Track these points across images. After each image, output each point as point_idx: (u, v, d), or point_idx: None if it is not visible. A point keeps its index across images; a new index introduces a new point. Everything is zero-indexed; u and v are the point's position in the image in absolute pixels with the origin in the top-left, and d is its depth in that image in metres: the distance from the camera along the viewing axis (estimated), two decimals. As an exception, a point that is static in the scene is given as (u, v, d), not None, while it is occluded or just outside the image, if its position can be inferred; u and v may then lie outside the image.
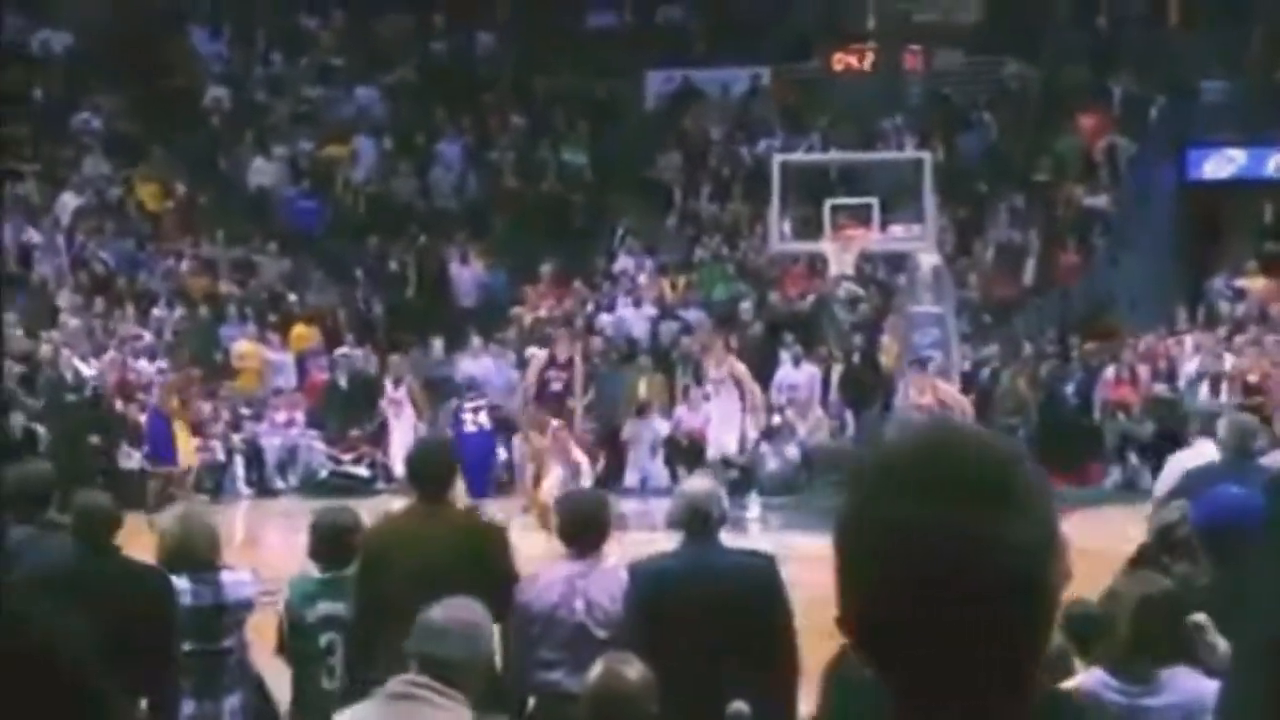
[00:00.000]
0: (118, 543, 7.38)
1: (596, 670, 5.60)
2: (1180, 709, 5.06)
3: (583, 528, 7.45)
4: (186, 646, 7.28)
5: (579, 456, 18.50)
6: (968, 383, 23.37)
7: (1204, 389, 22.30)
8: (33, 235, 27.35)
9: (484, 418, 21.60)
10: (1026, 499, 1.95)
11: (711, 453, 22.11)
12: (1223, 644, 5.18)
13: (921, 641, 1.92)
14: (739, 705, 5.92)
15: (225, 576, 7.49)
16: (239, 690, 7.47)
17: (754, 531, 19.13)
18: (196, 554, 7.45)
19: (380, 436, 23.63)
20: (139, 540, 7.93)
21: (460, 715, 4.94)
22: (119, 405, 22.83)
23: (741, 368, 21.39)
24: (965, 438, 2.03)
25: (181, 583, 7.32)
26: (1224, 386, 22.24)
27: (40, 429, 21.43)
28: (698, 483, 7.84)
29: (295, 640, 7.75)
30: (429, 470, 7.75)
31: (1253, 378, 22.30)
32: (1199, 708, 4.76)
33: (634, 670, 5.54)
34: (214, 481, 23.02)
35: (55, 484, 7.78)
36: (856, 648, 1.97)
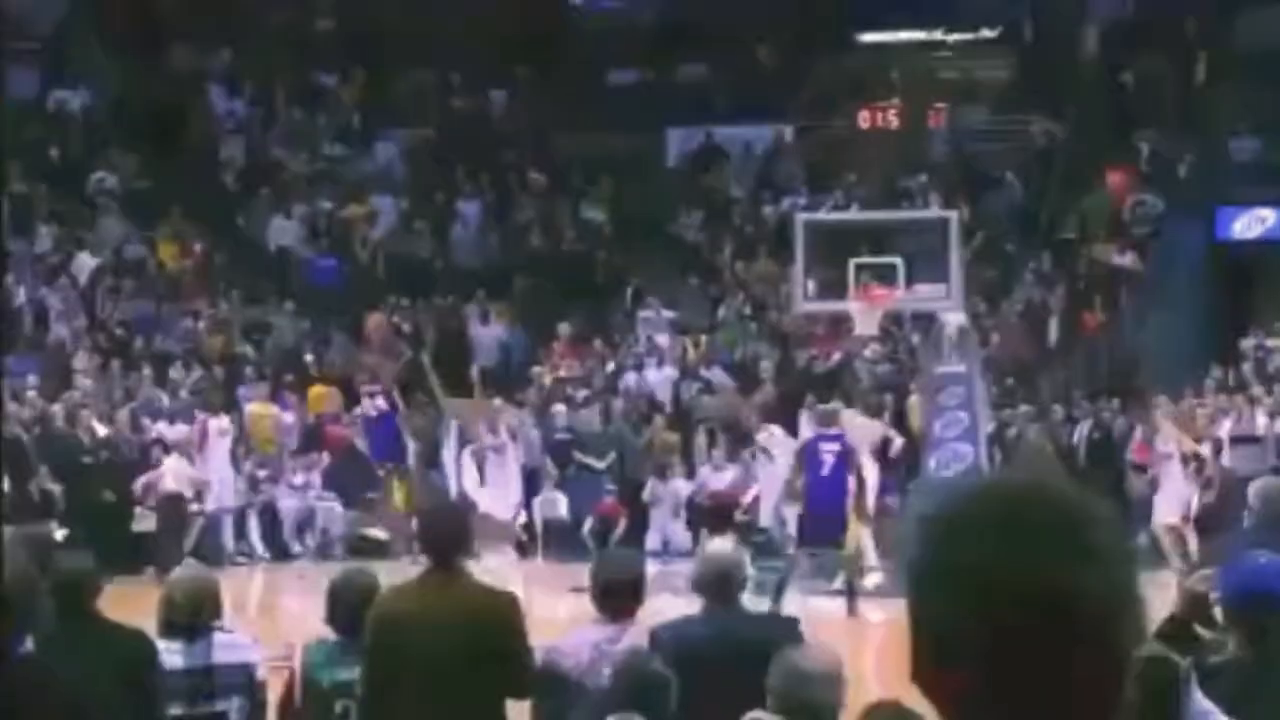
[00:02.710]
0: (99, 605, 7.37)
1: None
2: None
3: (619, 593, 7.42)
4: (177, 710, 7.26)
5: None
6: (992, 444, 23.33)
7: (1241, 453, 22.19)
8: (49, 296, 27.47)
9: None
10: (1101, 551, 1.97)
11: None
12: None
13: (995, 691, 1.94)
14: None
15: (218, 638, 7.47)
16: None
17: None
18: (188, 616, 7.45)
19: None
20: (151, 601, 7.91)
21: None
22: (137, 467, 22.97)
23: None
24: (1042, 488, 2.05)
25: (174, 645, 7.33)
26: (1258, 450, 22.16)
27: (57, 491, 21.50)
28: (719, 546, 7.84)
29: (310, 706, 7.76)
30: (441, 538, 7.72)
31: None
32: None
33: None
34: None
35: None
36: (931, 698, 1.99)
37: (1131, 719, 4.95)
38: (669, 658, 7.02)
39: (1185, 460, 21.76)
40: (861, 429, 21.64)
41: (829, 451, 20.67)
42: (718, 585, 7.14)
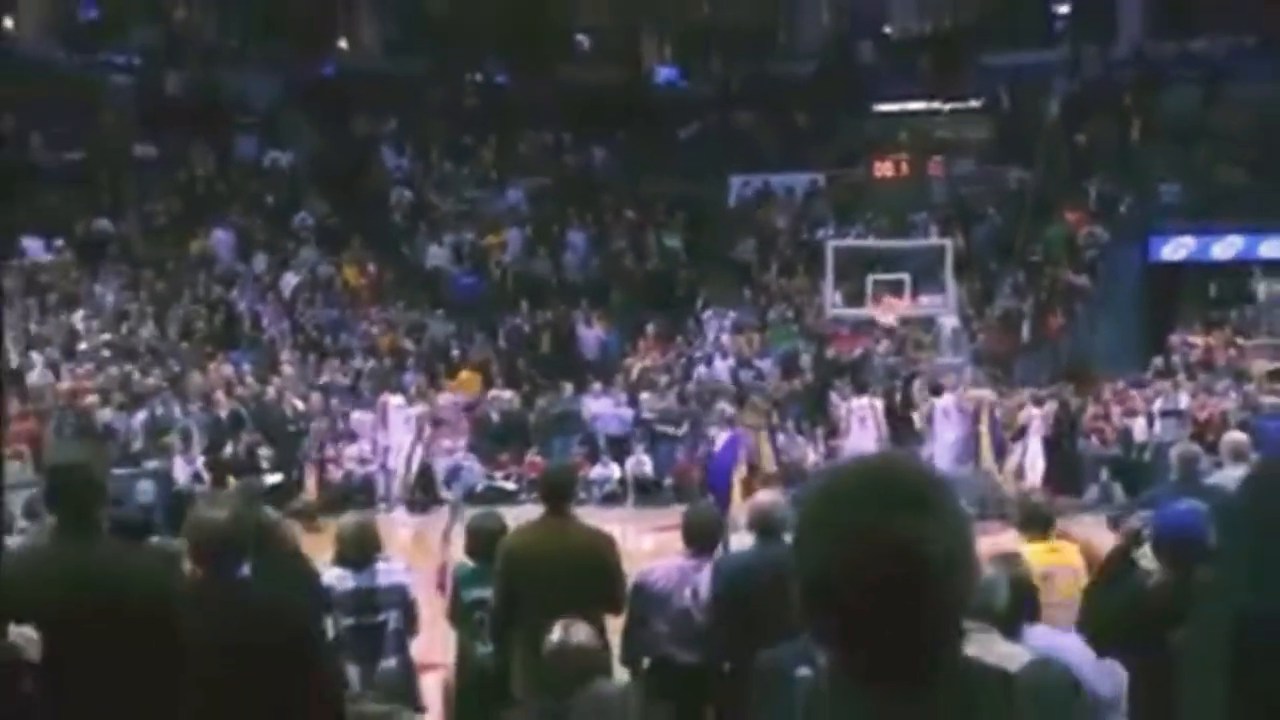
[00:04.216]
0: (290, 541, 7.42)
1: (555, 632, 5.64)
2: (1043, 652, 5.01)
3: (702, 535, 7.41)
4: (349, 621, 7.30)
5: None
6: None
7: (1167, 424, 22.00)
8: (262, 306, 27.73)
9: None
10: (941, 509, 1.96)
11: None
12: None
13: (859, 621, 1.94)
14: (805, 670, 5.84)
15: (379, 565, 7.51)
16: (395, 656, 7.47)
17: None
18: (356, 550, 7.50)
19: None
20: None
21: (998, 645, 4.60)
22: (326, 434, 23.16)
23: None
24: (893, 461, 2.06)
25: (345, 572, 7.38)
26: (1180, 422, 21.95)
27: (262, 451, 21.66)
28: (767, 495, 7.79)
29: (456, 614, 7.80)
30: (555, 488, 7.74)
31: (1201, 415, 22.00)
32: (1057, 651, 4.67)
33: (583, 632, 5.59)
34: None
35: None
36: (808, 626, 1.99)
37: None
38: (727, 583, 7.01)
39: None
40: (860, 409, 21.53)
41: (722, 437, 20.96)
42: (765, 525, 7.11)
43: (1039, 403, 22.20)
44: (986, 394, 20.92)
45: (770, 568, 6.77)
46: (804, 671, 5.24)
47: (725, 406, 21.88)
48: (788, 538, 7.23)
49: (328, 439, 23.06)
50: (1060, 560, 7.47)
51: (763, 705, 5.05)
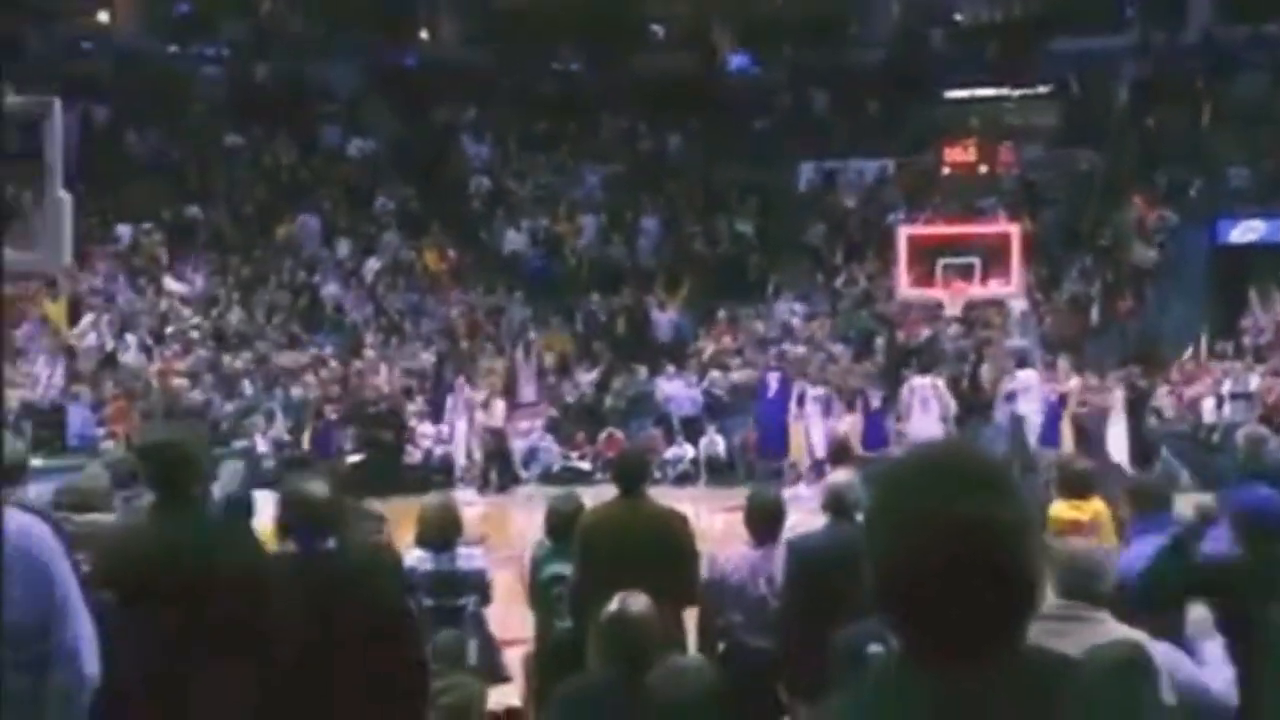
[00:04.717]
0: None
1: (613, 603, 5.35)
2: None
3: (766, 521, 7.40)
4: (429, 603, 7.33)
5: None
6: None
7: (1237, 406, 21.73)
8: (345, 291, 27.91)
9: None
10: (1008, 491, 1.97)
11: None
12: None
13: (926, 604, 1.94)
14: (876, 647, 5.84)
15: (460, 550, 7.54)
16: (474, 636, 7.51)
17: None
18: (437, 533, 7.53)
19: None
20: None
21: (1110, 626, 4.48)
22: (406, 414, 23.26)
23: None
24: (960, 448, 2.08)
25: (425, 554, 7.41)
26: (1249, 404, 21.68)
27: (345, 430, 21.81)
28: (840, 475, 7.77)
29: (534, 591, 7.84)
30: (630, 470, 7.75)
31: (1270, 397, 21.70)
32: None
33: (641, 602, 5.34)
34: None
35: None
36: (880, 609, 1.99)
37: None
38: (800, 563, 6.99)
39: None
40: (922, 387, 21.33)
41: (773, 379, 20.72)
42: (837, 505, 7.09)
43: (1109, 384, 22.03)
44: (1075, 383, 20.80)
45: (842, 548, 6.76)
46: (875, 649, 5.25)
47: (785, 350, 21.78)
48: (860, 517, 7.22)
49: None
50: (1080, 515, 7.68)
51: (838, 682, 5.05)
